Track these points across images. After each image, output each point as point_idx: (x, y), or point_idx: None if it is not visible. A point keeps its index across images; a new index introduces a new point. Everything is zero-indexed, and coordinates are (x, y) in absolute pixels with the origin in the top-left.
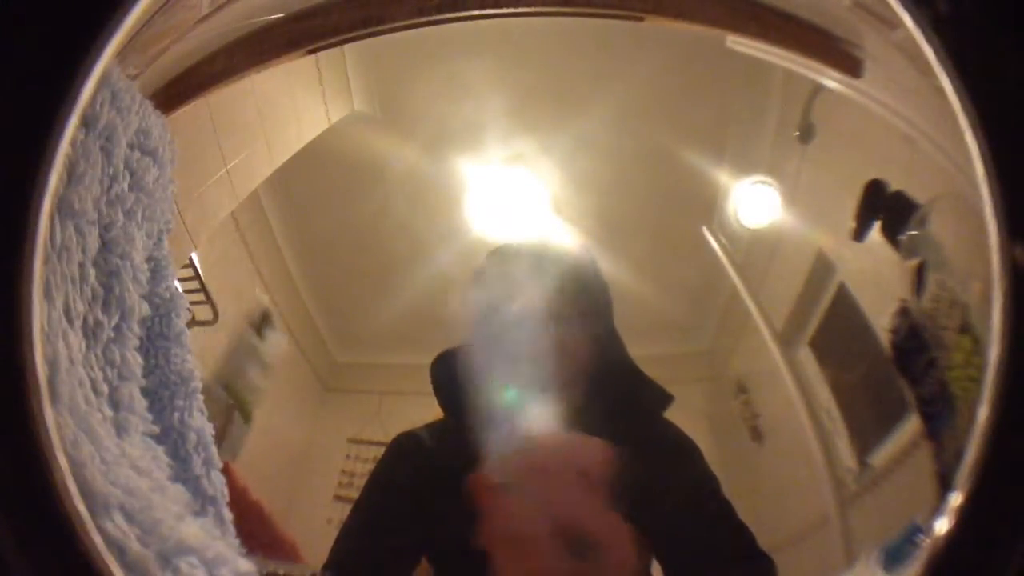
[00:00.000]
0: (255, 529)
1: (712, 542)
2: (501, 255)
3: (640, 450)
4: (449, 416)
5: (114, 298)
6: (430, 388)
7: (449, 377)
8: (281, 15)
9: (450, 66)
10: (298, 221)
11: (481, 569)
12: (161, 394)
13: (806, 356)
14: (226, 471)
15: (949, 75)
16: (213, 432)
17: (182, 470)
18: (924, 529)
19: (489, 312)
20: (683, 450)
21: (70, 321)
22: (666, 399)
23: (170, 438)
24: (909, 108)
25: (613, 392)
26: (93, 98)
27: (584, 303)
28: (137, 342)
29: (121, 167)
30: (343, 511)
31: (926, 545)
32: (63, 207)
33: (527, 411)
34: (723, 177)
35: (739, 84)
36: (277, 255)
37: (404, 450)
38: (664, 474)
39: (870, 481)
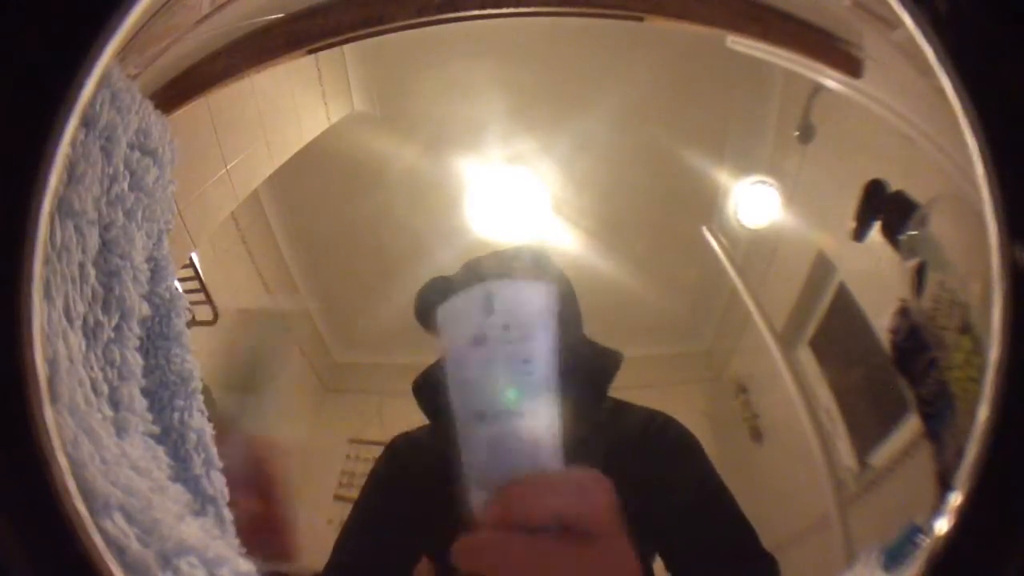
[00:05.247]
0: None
1: (715, 540)
2: (470, 267)
3: (642, 448)
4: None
5: (114, 298)
6: None
7: (431, 390)
8: (281, 15)
9: (450, 66)
10: (298, 221)
11: None
12: (161, 394)
13: (806, 356)
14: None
15: (949, 75)
16: (213, 432)
17: (182, 470)
18: (924, 529)
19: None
20: (686, 447)
21: (70, 321)
22: (617, 357)
23: (170, 438)
24: (909, 108)
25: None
26: (93, 98)
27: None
28: (137, 342)
29: (121, 167)
30: (343, 511)
31: (926, 545)
32: (63, 207)
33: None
34: (723, 177)
35: (739, 84)
36: (277, 255)
37: (401, 451)
38: (667, 471)
39: (870, 481)
